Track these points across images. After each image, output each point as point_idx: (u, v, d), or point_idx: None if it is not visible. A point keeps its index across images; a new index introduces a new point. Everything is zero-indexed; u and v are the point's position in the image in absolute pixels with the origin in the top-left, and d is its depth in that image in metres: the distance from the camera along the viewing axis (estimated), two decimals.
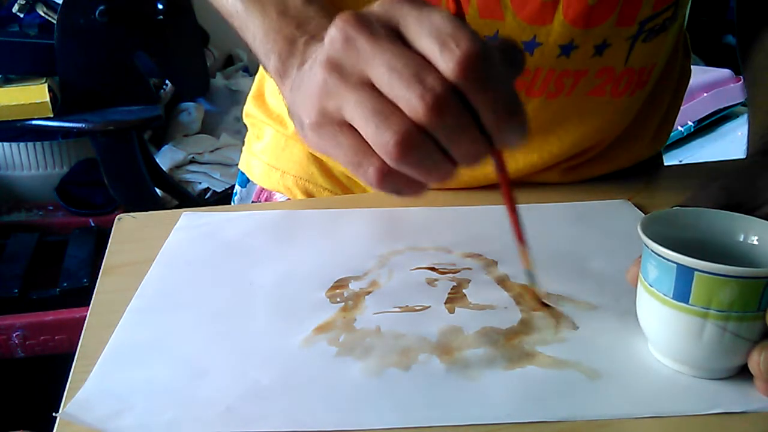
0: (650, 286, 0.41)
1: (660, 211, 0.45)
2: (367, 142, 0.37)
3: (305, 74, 0.40)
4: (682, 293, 0.39)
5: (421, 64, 0.35)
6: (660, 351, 0.43)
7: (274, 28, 0.45)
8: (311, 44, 0.42)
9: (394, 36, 0.36)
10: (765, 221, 0.43)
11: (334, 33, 0.37)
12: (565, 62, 0.59)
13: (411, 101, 0.35)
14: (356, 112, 0.36)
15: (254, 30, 0.46)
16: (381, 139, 0.36)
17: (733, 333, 0.39)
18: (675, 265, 0.39)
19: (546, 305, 0.49)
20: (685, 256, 0.39)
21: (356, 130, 0.37)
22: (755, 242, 0.43)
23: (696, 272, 0.39)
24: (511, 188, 0.43)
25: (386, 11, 0.36)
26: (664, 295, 0.40)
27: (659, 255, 0.40)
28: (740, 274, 0.38)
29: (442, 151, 0.37)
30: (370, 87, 0.36)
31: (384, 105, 0.36)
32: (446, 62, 0.34)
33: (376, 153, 0.37)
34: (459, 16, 0.37)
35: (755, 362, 0.39)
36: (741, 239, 0.44)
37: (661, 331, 0.42)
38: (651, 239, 0.40)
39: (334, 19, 0.37)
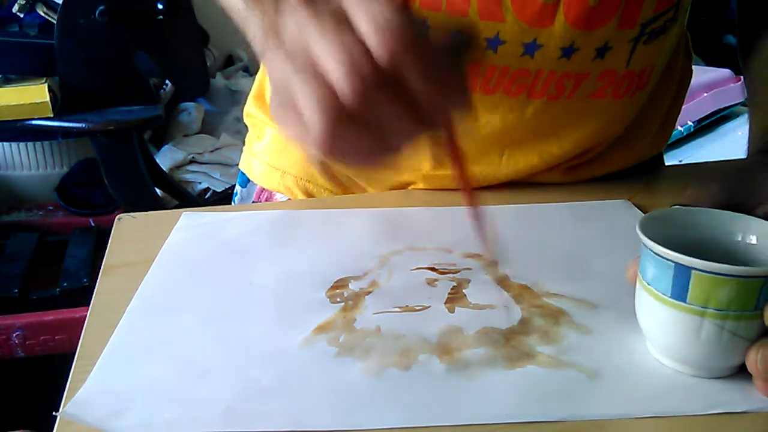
0: (648, 285, 0.41)
1: (658, 210, 0.45)
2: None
3: (274, 56, 0.40)
4: (679, 292, 0.39)
5: (355, 46, 0.35)
6: (659, 350, 0.43)
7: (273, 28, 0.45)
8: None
9: (340, 19, 0.36)
10: (763, 220, 0.43)
11: (288, 17, 0.38)
12: (566, 64, 0.59)
13: (339, 84, 0.35)
14: (298, 95, 0.37)
15: (254, 30, 0.46)
16: (311, 122, 0.36)
17: (730, 332, 0.39)
18: (673, 264, 0.39)
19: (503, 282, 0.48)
20: (683, 255, 0.39)
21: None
22: (754, 241, 0.43)
23: (693, 271, 0.39)
24: (463, 161, 0.43)
25: None
26: (662, 294, 0.40)
27: (657, 254, 0.40)
28: (738, 273, 0.38)
29: (374, 134, 0.37)
30: (311, 69, 0.36)
31: (320, 88, 0.36)
32: (376, 42, 0.35)
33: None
34: (402, 4, 0.37)
35: (753, 361, 0.39)
36: (739, 238, 0.44)
37: (659, 330, 0.42)
38: (649, 239, 0.40)
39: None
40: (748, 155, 0.60)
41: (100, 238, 1.73)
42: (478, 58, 0.41)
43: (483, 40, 0.57)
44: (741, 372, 0.40)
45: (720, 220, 0.44)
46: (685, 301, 0.39)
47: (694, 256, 0.39)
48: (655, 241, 0.40)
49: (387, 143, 0.38)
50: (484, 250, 0.47)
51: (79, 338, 0.46)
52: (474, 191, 0.45)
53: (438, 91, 0.37)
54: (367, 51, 0.35)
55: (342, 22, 0.36)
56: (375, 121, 0.37)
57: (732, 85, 1.91)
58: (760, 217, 0.44)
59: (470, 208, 0.45)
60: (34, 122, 1.69)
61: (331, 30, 0.36)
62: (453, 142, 0.42)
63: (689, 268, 0.39)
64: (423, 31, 0.36)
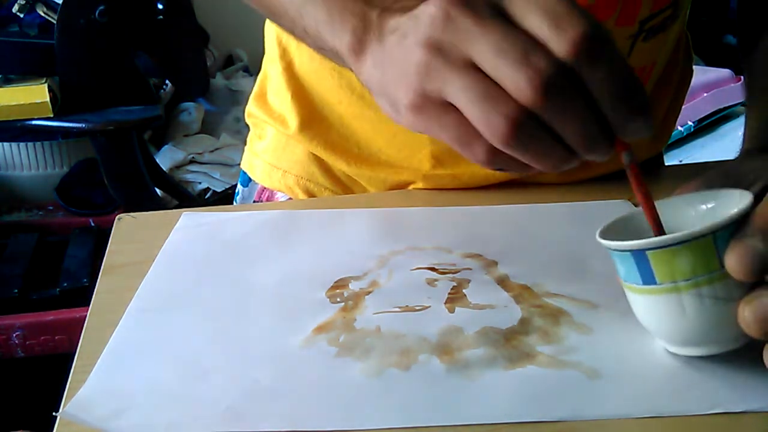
0: (624, 282, 0.42)
1: (615, 219, 0.44)
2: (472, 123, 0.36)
3: (393, 50, 0.38)
4: (648, 277, 0.40)
5: (529, 44, 0.33)
6: (665, 342, 0.43)
7: (338, 8, 0.43)
8: (386, 17, 0.40)
9: (499, 15, 0.34)
10: (710, 191, 0.43)
11: (433, 11, 0.35)
12: None
13: (519, 84, 0.33)
14: (462, 95, 0.35)
15: (315, 14, 0.44)
16: (489, 124, 0.34)
17: (710, 298, 0.39)
18: (629, 252, 0.40)
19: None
20: (633, 241, 0.39)
21: (460, 111, 0.36)
22: (705, 209, 0.43)
23: (648, 252, 0.39)
24: (644, 182, 0.41)
25: None
26: (636, 285, 0.41)
27: (615, 250, 0.40)
28: (685, 237, 0.38)
29: (554, 136, 0.35)
30: (474, 69, 0.35)
31: (491, 88, 0.34)
32: (559, 42, 0.33)
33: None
34: None
35: (743, 320, 0.37)
36: (693, 214, 0.44)
37: (652, 322, 0.42)
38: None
39: None
40: (738, 153, 0.60)
41: (100, 238, 1.73)
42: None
43: None
44: (739, 371, 0.40)
45: (672, 207, 0.44)
46: (656, 283, 0.39)
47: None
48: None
49: (565, 148, 0.36)
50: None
51: (79, 338, 0.46)
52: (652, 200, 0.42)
53: (622, 97, 0.35)
54: (540, 46, 0.33)
55: (503, 17, 0.34)
56: (557, 123, 0.35)
57: (732, 85, 1.91)
58: None
59: (648, 216, 0.42)
60: (34, 122, 1.69)
61: (495, 26, 0.34)
62: (636, 169, 0.40)
63: (643, 250, 0.39)
64: (605, 28, 0.34)
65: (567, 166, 0.38)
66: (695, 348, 0.41)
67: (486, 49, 0.34)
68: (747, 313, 0.37)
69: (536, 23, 0.33)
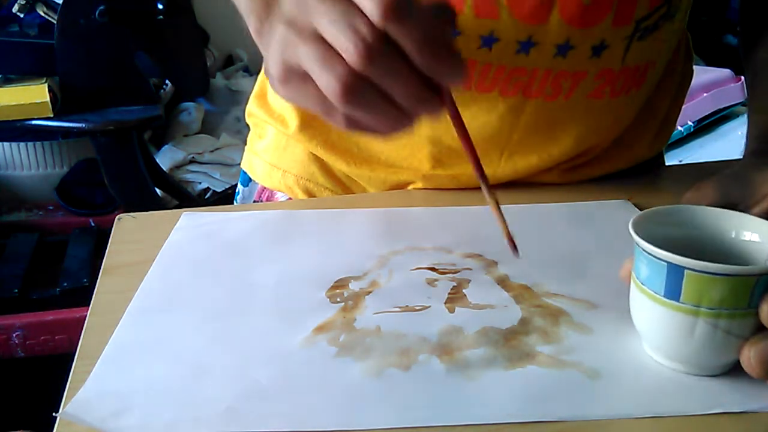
0: (642, 284, 0.41)
1: (652, 209, 0.45)
2: None
3: (273, 31, 0.42)
4: (672, 291, 0.40)
5: (356, 14, 0.38)
6: (653, 348, 0.43)
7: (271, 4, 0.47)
8: (283, 3, 0.44)
9: None
10: (757, 218, 0.44)
11: None
12: (562, 63, 0.59)
13: (348, 48, 0.38)
14: (308, 61, 0.39)
15: (252, 8, 0.48)
16: (327, 85, 0.39)
17: (724, 330, 0.39)
18: (665, 263, 0.39)
19: (514, 246, 0.49)
20: (676, 255, 0.39)
21: None
22: (747, 239, 0.43)
23: (686, 270, 0.39)
24: (464, 127, 0.46)
25: None
26: (656, 293, 0.40)
27: (650, 254, 0.40)
28: (730, 272, 0.38)
29: (386, 95, 0.40)
30: (319, 38, 0.39)
31: (329, 53, 0.39)
32: (371, 8, 0.37)
33: None
34: None
35: (747, 358, 0.39)
36: (733, 236, 0.44)
37: (653, 329, 0.42)
38: (643, 238, 0.40)
39: None
40: (743, 156, 0.60)
41: (100, 238, 1.73)
42: (456, 23, 0.45)
43: (478, 38, 0.57)
44: (741, 372, 0.40)
45: (713, 218, 0.44)
46: (678, 300, 0.39)
47: (687, 255, 0.39)
48: (648, 240, 0.40)
49: (399, 107, 0.41)
50: (500, 225, 0.49)
51: (79, 338, 0.46)
52: (479, 160, 0.47)
53: (433, 56, 0.39)
54: (365, 17, 0.38)
55: None
56: (382, 82, 0.39)
57: (732, 85, 1.91)
58: (755, 216, 0.44)
59: (480, 177, 0.48)
60: (34, 122, 1.69)
61: (329, 1, 0.38)
62: (453, 107, 0.45)
63: (682, 268, 0.39)
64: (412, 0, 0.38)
65: (406, 124, 0.42)
66: (681, 364, 0.42)
67: (324, 20, 0.39)
68: (752, 354, 0.39)
69: None
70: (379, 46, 0.38)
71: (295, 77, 0.41)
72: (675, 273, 0.39)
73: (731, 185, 0.48)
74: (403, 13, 0.37)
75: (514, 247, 0.49)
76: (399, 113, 0.41)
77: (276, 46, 0.41)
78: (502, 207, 0.54)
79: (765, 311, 0.38)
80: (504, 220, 0.49)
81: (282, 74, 0.41)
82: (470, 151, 0.47)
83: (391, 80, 0.39)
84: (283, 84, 0.42)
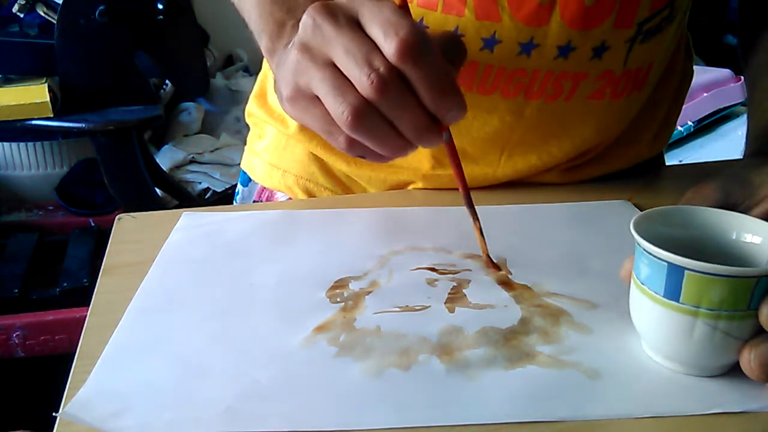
0: (642, 284, 0.42)
1: (653, 209, 0.45)
2: None
3: (287, 54, 0.45)
4: (672, 292, 0.40)
5: (370, 48, 0.41)
6: (652, 348, 0.43)
7: (267, 11, 0.51)
8: (297, 28, 0.46)
9: (353, 23, 0.42)
10: (758, 219, 0.44)
11: (305, 19, 0.43)
12: (563, 64, 0.59)
13: (361, 79, 0.41)
14: (320, 87, 0.42)
15: (250, 10, 0.52)
16: (337, 111, 0.41)
17: (723, 331, 0.39)
18: (666, 263, 0.39)
19: (494, 264, 0.54)
20: (676, 255, 0.39)
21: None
22: (748, 240, 0.43)
23: (686, 271, 0.39)
24: (458, 156, 0.50)
25: (349, 2, 0.43)
26: (655, 293, 0.40)
27: (650, 253, 0.40)
28: (730, 273, 0.38)
29: (391, 125, 0.43)
30: (332, 66, 0.42)
31: (341, 82, 0.41)
32: (388, 47, 0.40)
33: None
34: (403, 8, 0.44)
35: (746, 360, 0.39)
36: (734, 237, 0.44)
37: (652, 329, 0.42)
38: (644, 237, 0.40)
39: (308, 8, 0.43)
40: (744, 156, 0.60)
41: (100, 238, 1.73)
42: (463, 65, 0.48)
43: (480, 40, 0.58)
44: (740, 372, 0.40)
45: (714, 218, 0.44)
46: (678, 301, 0.39)
47: (688, 255, 0.39)
48: (649, 240, 0.40)
49: (401, 137, 0.43)
50: (480, 246, 0.54)
51: (79, 338, 0.46)
52: (468, 190, 0.52)
53: (440, 96, 0.42)
54: (378, 50, 0.41)
55: (356, 24, 0.42)
56: (390, 113, 0.42)
57: (732, 85, 1.91)
58: (756, 217, 0.44)
59: (467, 205, 0.52)
60: (34, 122, 1.69)
61: (347, 32, 0.41)
62: (451, 141, 0.48)
63: (682, 268, 0.39)
64: (425, 35, 0.41)
65: (406, 153, 0.45)
66: (680, 365, 0.42)
67: (339, 51, 0.41)
68: (752, 356, 0.39)
69: (375, 31, 0.41)
70: (391, 80, 0.41)
71: (303, 99, 0.44)
72: (675, 273, 0.39)
73: (731, 186, 0.48)
74: (418, 54, 0.40)
75: (494, 265, 0.54)
76: (400, 141, 0.44)
77: (289, 68, 0.44)
78: (503, 207, 0.55)
79: (765, 313, 0.38)
80: (485, 245, 0.54)
81: (292, 95, 0.44)
82: (461, 181, 0.51)
83: (398, 112, 0.42)
84: (291, 104, 0.45)
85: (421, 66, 0.41)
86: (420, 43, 0.40)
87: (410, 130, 0.43)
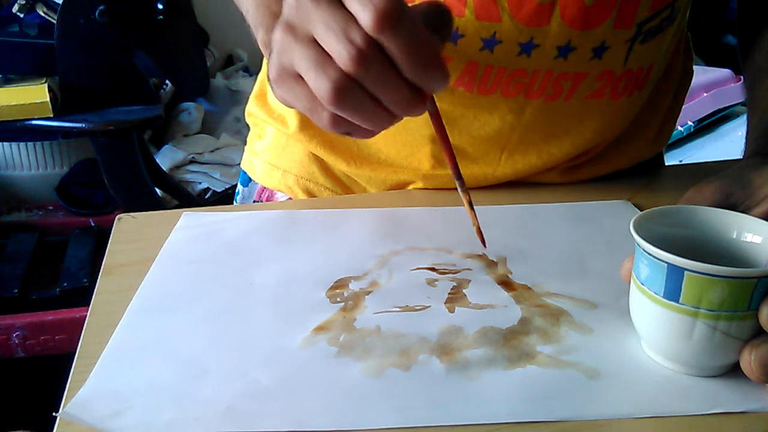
0: (642, 284, 0.42)
1: (653, 209, 0.45)
2: None
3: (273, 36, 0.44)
4: (672, 292, 0.40)
5: (349, 21, 0.40)
6: (652, 349, 0.43)
7: (264, 4, 0.51)
8: None
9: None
10: (758, 219, 0.44)
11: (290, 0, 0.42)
12: (563, 64, 0.59)
13: (341, 54, 0.40)
14: (301, 64, 0.41)
15: (247, 4, 0.52)
16: (319, 87, 0.41)
17: (723, 332, 0.39)
18: (666, 264, 0.39)
19: (483, 238, 0.53)
20: (676, 256, 0.39)
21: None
22: (748, 240, 0.43)
23: (686, 272, 0.39)
24: (443, 126, 0.49)
25: None
26: (655, 293, 0.40)
27: (650, 254, 0.40)
28: (730, 274, 0.38)
29: (374, 98, 0.42)
30: (313, 42, 0.41)
31: (322, 57, 0.41)
32: (365, 19, 0.39)
33: None
34: None
35: (747, 362, 0.39)
36: (734, 237, 0.44)
37: (652, 329, 0.42)
38: (644, 238, 0.40)
39: None
40: (744, 157, 0.60)
41: (100, 238, 1.73)
42: (450, 35, 0.47)
43: (480, 40, 0.58)
44: (740, 372, 0.40)
45: (714, 218, 0.44)
46: (677, 301, 0.39)
47: (688, 255, 0.39)
48: (649, 241, 0.40)
49: (384, 109, 0.42)
50: (471, 217, 0.53)
51: (79, 338, 0.46)
52: (455, 159, 0.51)
53: (420, 65, 0.41)
54: (357, 23, 0.39)
55: (335, 0, 0.40)
56: (372, 87, 0.41)
57: (732, 85, 1.91)
58: (756, 217, 0.44)
59: (455, 176, 0.51)
60: (34, 122, 1.69)
61: (326, 7, 0.40)
62: (435, 110, 0.48)
63: (682, 269, 0.39)
64: (402, 4, 0.40)
65: (391, 124, 0.44)
66: (679, 365, 0.42)
67: (319, 26, 0.40)
68: (753, 358, 0.39)
69: (353, 4, 0.40)
70: (370, 52, 0.40)
71: (288, 78, 0.43)
72: (675, 274, 0.39)
73: (732, 186, 0.48)
74: (395, 23, 0.39)
75: (482, 240, 0.53)
76: (384, 114, 0.43)
77: (274, 49, 0.43)
78: (503, 207, 0.54)
79: (765, 314, 0.38)
80: (475, 216, 0.53)
81: (277, 75, 0.43)
82: (447, 149, 0.50)
83: (380, 85, 0.41)
84: (277, 84, 0.44)
85: (399, 36, 0.39)
86: (396, 11, 0.39)
87: (393, 103, 0.42)
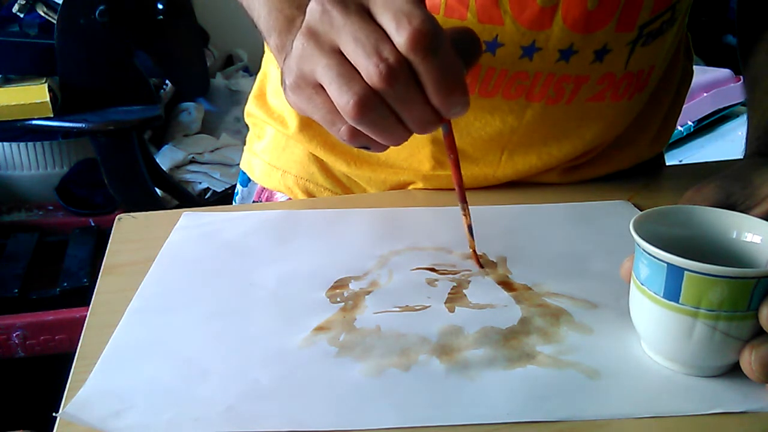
0: (642, 284, 0.42)
1: (653, 209, 0.45)
2: None
3: (293, 42, 0.44)
4: (672, 292, 0.40)
5: (380, 37, 0.39)
6: (651, 348, 0.43)
7: (276, 8, 0.50)
8: None
9: (363, 11, 0.40)
10: (757, 219, 0.44)
11: (313, 5, 0.41)
12: (565, 67, 0.59)
13: (369, 69, 0.39)
14: (324, 74, 0.41)
15: (259, 9, 0.51)
16: (342, 99, 0.40)
17: (723, 332, 0.39)
18: (665, 264, 0.39)
19: (478, 259, 0.54)
20: (676, 256, 0.39)
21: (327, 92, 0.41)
22: (748, 239, 0.43)
23: (686, 272, 0.39)
24: (456, 149, 0.50)
25: None
26: (655, 293, 0.40)
27: (650, 254, 0.40)
28: (730, 274, 0.38)
29: (395, 116, 0.42)
30: (338, 54, 0.40)
31: (347, 70, 0.40)
32: (399, 36, 0.39)
33: None
34: None
35: (747, 362, 0.39)
36: (734, 236, 0.44)
37: (652, 329, 0.42)
38: (644, 238, 0.40)
39: None
40: (744, 156, 0.60)
41: (100, 238, 1.73)
42: (478, 61, 0.46)
43: (482, 42, 0.58)
44: (740, 372, 0.40)
45: (714, 218, 0.44)
46: (677, 302, 0.39)
47: (688, 255, 0.39)
48: (648, 241, 0.40)
49: (404, 126, 0.42)
50: (464, 220, 0.53)
51: (79, 338, 0.46)
52: (464, 188, 0.52)
53: (447, 93, 0.40)
54: (388, 39, 0.39)
55: (365, 12, 0.40)
56: (395, 105, 0.41)
57: (732, 85, 1.91)
58: (756, 217, 0.44)
59: (461, 200, 0.52)
60: (34, 122, 1.69)
61: (357, 20, 0.40)
62: (450, 135, 0.48)
63: (682, 269, 0.39)
64: (439, 27, 0.39)
65: (405, 141, 0.44)
66: (679, 365, 0.42)
67: (347, 38, 0.40)
68: (753, 358, 0.39)
69: (386, 19, 0.39)
70: (400, 70, 0.39)
71: (307, 87, 0.42)
72: (675, 274, 0.39)
73: (731, 186, 0.48)
74: (430, 45, 0.39)
75: (478, 262, 0.54)
76: (402, 131, 0.43)
77: (294, 55, 0.42)
78: (503, 207, 0.54)
79: (765, 314, 0.38)
80: (473, 239, 0.54)
81: (295, 82, 0.43)
82: (455, 169, 0.50)
83: (404, 104, 0.41)
84: (294, 92, 0.43)
85: (432, 59, 0.39)
86: (433, 34, 0.39)
87: (413, 122, 0.42)
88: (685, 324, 0.40)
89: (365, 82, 0.40)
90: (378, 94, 0.40)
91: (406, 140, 0.44)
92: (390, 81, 0.39)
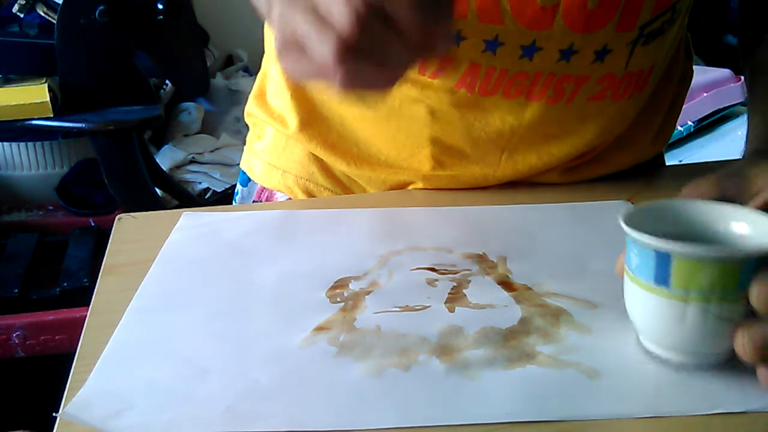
0: (633, 274, 0.42)
1: (643, 203, 0.45)
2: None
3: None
4: (662, 278, 0.40)
5: None
6: (647, 338, 0.43)
7: None
8: None
9: None
10: (745, 207, 0.44)
11: None
12: (565, 67, 0.59)
13: (339, 19, 0.39)
14: (303, 30, 0.40)
15: None
16: (320, 53, 0.40)
17: (715, 315, 0.39)
18: (653, 251, 0.40)
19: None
20: (663, 241, 0.39)
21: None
22: (737, 230, 0.43)
23: (674, 256, 0.39)
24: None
25: None
26: (646, 281, 0.41)
27: (638, 242, 0.40)
28: (717, 255, 0.38)
29: (376, 62, 0.41)
30: (313, 10, 0.40)
31: (321, 23, 0.40)
32: None
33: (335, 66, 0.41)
34: None
35: (740, 345, 0.39)
36: (723, 228, 0.44)
37: (646, 318, 0.42)
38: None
39: None
40: (744, 155, 0.60)
41: (100, 238, 1.73)
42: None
43: (482, 42, 0.57)
44: (740, 371, 0.41)
45: (703, 210, 0.44)
46: (668, 287, 0.40)
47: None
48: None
49: (388, 70, 0.42)
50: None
51: (79, 338, 0.46)
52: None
53: (422, 33, 0.40)
54: None
55: None
56: (374, 51, 0.40)
57: (732, 85, 1.91)
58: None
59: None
60: (34, 122, 1.69)
61: None
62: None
63: (670, 254, 0.39)
64: None
65: (396, 80, 0.43)
66: (675, 353, 0.42)
67: None
68: (746, 339, 0.39)
69: None
70: (370, 17, 0.39)
71: (292, 48, 0.42)
72: (663, 260, 0.39)
73: (728, 181, 0.48)
74: None
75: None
76: (389, 74, 0.42)
77: (276, 20, 0.42)
78: (503, 207, 0.54)
79: (755, 295, 0.38)
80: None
81: (281, 47, 0.43)
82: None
83: (381, 50, 0.40)
84: (282, 58, 0.43)
85: (401, 2, 0.39)
86: None
87: (398, 65, 0.42)
88: (677, 309, 0.40)
89: (341, 23, 0.39)
90: (353, 43, 0.40)
91: (396, 79, 0.43)
92: (361, 27, 0.39)
